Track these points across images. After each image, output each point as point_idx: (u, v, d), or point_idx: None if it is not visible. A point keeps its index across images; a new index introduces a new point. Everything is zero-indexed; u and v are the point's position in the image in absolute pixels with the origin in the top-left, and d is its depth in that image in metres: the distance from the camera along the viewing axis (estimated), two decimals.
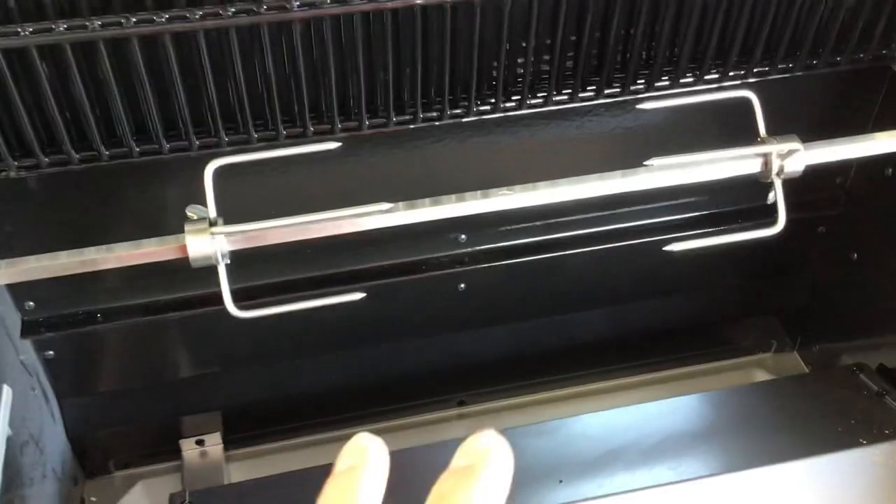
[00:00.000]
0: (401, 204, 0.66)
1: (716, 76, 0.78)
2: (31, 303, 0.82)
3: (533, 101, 0.75)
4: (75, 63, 0.62)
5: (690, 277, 1.02)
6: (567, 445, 0.86)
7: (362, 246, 0.87)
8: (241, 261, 0.68)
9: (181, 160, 0.70)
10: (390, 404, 1.02)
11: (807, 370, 1.10)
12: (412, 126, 0.73)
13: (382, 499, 0.33)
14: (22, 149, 0.67)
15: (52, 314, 0.84)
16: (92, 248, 0.62)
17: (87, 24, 0.59)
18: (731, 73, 0.78)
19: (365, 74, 0.69)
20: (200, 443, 0.99)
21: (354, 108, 0.72)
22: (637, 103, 0.73)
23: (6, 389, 0.72)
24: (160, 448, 0.99)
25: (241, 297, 0.68)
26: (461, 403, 1.06)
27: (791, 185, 0.73)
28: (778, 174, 0.68)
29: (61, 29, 0.59)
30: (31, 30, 0.59)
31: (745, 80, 0.78)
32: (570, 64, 0.75)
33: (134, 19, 0.60)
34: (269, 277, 0.87)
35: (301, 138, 0.71)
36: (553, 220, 0.91)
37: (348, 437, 0.34)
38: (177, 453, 0.99)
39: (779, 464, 0.81)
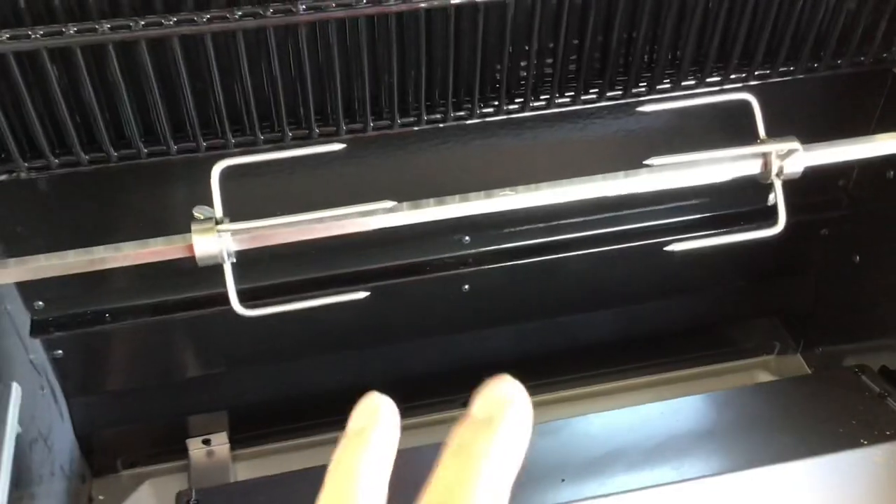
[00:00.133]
0: (405, 204, 0.67)
1: (717, 79, 0.79)
2: (41, 302, 0.83)
3: (536, 104, 0.76)
4: (85, 65, 0.63)
5: (694, 279, 1.03)
6: (570, 445, 0.86)
7: (366, 247, 0.87)
8: (246, 262, 0.69)
9: (188, 161, 0.71)
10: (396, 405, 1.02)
11: (810, 372, 1.10)
12: (416, 128, 0.74)
13: (387, 496, 0.33)
14: (32, 150, 0.68)
15: (62, 314, 0.85)
16: (100, 248, 0.63)
17: (97, 27, 0.60)
18: (732, 76, 0.78)
19: (369, 77, 0.70)
20: (207, 442, 1.00)
21: (359, 110, 0.72)
22: (638, 106, 0.73)
23: (15, 387, 0.73)
24: (167, 447, 1.00)
25: (246, 298, 0.69)
26: (465, 404, 1.06)
27: (793, 187, 0.74)
28: (778, 175, 0.68)
29: (71, 32, 0.60)
30: (41, 33, 0.60)
31: (746, 83, 0.79)
32: (572, 67, 0.76)
33: (143, 22, 0.61)
34: (274, 278, 0.87)
35: (307, 140, 0.72)
36: (556, 222, 0.92)
37: None
38: (183, 452, 1.00)
39: (780, 464, 0.81)
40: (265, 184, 0.80)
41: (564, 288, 0.98)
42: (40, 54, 0.61)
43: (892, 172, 0.89)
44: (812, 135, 0.75)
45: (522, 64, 0.74)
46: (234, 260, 0.64)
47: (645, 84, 0.77)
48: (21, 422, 0.73)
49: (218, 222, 0.65)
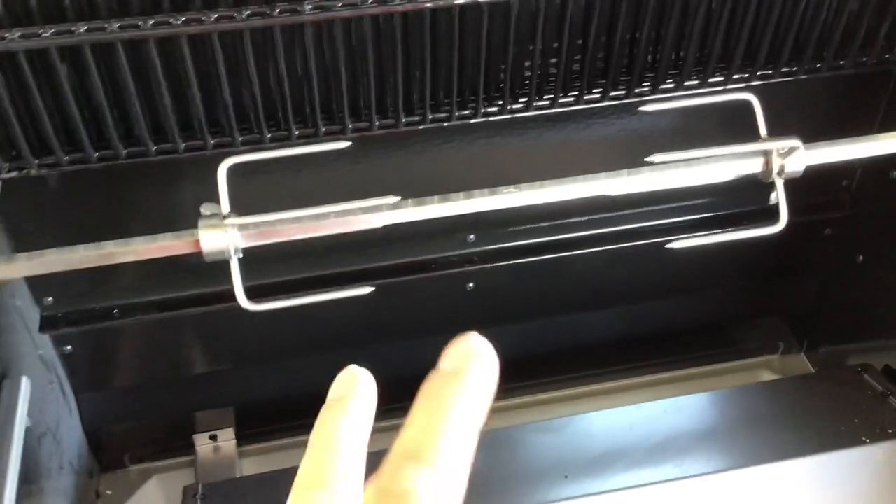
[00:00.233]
0: (409, 201, 0.68)
1: (720, 79, 0.79)
2: (50, 298, 0.84)
3: (539, 104, 0.76)
4: (94, 64, 0.64)
5: (697, 279, 1.03)
6: (573, 442, 0.87)
7: (371, 245, 0.88)
8: (252, 260, 0.69)
9: (196, 159, 0.72)
10: (398, 402, 1.03)
11: (813, 372, 1.10)
12: (421, 127, 0.75)
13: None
14: (42, 147, 0.69)
15: (71, 310, 0.86)
16: (109, 242, 0.64)
17: (106, 26, 0.61)
18: (735, 76, 0.79)
19: (375, 76, 0.71)
20: (213, 438, 1.00)
21: (365, 109, 0.73)
22: (641, 105, 0.74)
23: (25, 381, 0.74)
24: (174, 443, 1.01)
25: (253, 295, 0.70)
26: None
27: (797, 187, 0.74)
28: (779, 174, 0.69)
29: (81, 31, 0.61)
30: (52, 31, 0.61)
31: (749, 84, 0.79)
32: (576, 67, 0.76)
33: (151, 21, 0.62)
34: (280, 276, 0.88)
35: (313, 138, 0.73)
36: (560, 221, 0.93)
37: None
38: (190, 448, 1.01)
39: (782, 461, 0.82)
40: (272, 183, 0.81)
41: (569, 287, 0.98)
42: (50, 53, 0.62)
43: (895, 172, 0.90)
44: (815, 136, 0.76)
45: (526, 64, 0.75)
46: (241, 255, 0.65)
47: (648, 84, 0.78)
48: (30, 415, 0.74)
49: (225, 218, 0.66)
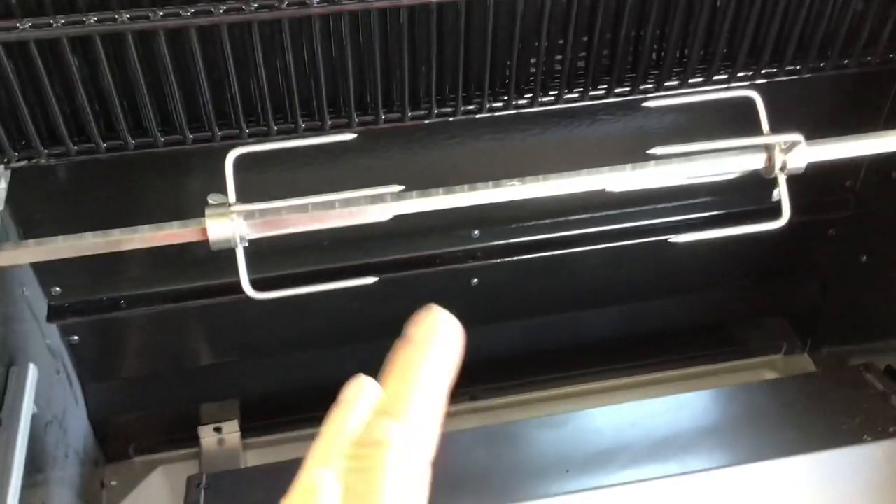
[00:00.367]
0: (414, 192, 0.68)
1: (724, 77, 0.79)
2: (58, 288, 0.85)
3: (545, 99, 0.77)
4: (104, 54, 0.65)
5: (701, 278, 1.04)
6: (575, 437, 0.87)
7: (376, 239, 0.89)
8: (258, 253, 0.70)
9: (204, 151, 0.73)
10: None
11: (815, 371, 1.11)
12: (427, 121, 0.75)
13: None
14: (52, 137, 0.70)
15: (78, 300, 0.87)
16: (116, 230, 0.65)
17: (117, 16, 0.62)
18: (739, 74, 0.79)
19: (381, 70, 0.71)
20: (218, 430, 1.01)
21: (371, 102, 0.74)
22: (644, 102, 0.74)
23: (32, 368, 0.74)
24: (179, 434, 1.02)
25: (259, 288, 0.71)
26: (473, 398, 1.07)
27: (800, 187, 0.75)
28: (781, 169, 0.69)
29: (92, 21, 0.62)
30: (63, 21, 0.61)
31: (753, 82, 0.80)
32: (581, 64, 0.77)
33: (161, 13, 0.63)
34: (285, 269, 0.89)
35: (319, 131, 0.74)
36: (565, 218, 0.93)
37: None
38: (195, 440, 1.01)
39: (783, 458, 0.82)
40: (278, 177, 0.82)
41: (572, 284, 0.99)
42: (61, 42, 0.63)
43: None
44: (819, 135, 0.76)
45: (532, 60, 0.75)
46: (247, 244, 0.66)
47: (653, 81, 0.78)
48: (37, 404, 0.75)
49: (231, 206, 0.66)
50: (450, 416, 1.08)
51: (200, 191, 0.74)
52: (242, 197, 0.69)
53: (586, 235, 0.94)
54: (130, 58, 0.65)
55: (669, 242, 0.77)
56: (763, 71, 0.80)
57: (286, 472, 0.33)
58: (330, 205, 0.65)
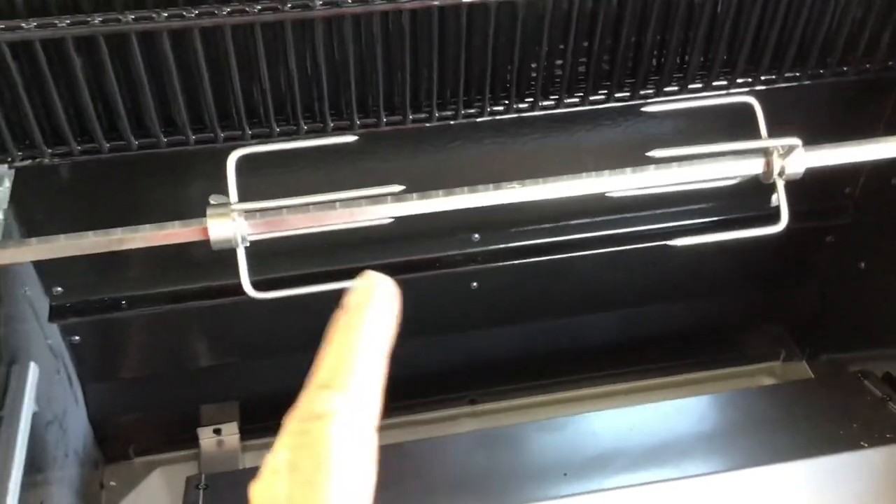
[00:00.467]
0: (414, 194, 0.69)
1: (724, 83, 0.80)
2: (59, 288, 0.85)
3: (545, 103, 0.77)
4: (108, 55, 0.65)
5: (700, 285, 1.04)
6: (573, 441, 0.88)
7: (377, 242, 0.89)
8: (259, 255, 0.70)
9: (206, 152, 0.73)
10: (402, 400, 1.04)
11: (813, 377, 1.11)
12: (428, 124, 0.76)
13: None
14: (55, 136, 0.70)
15: (79, 300, 0.87)
16: (118, 229, 0.65)
17: (121, 17, 0.63)
18: (738, 80, 0.80)
19: (383, 73, 0.72)
20: (218, 432, 1.01)
21: (373, 105, 0.74)
22: (644, 107, 0.75)
23: (33, 367, 0.75)
24: (178, 436, 1.02)
25: (259, 289, 0.71)
26: (472, 402, 1.07)
27: (799, 194, 0.75)
28: (780, 175, 0.69)
29: (96, 22, 0.62)
30: (67, 21, 0.62)
31: (752, 88, 0.80)
32: (581, 69, 0.77)
33: (165, 14, 0.63)
34: (285, 271, 0.89)
35: (321, 133, 0.74)
36: (564, 223, 0.94)
37: None
38: (194, 441, 1.02)
39: (780, 463, 0.82)
40: (280, 180, 0.82)
41: (572, 288, 0.99)
42: (66, 42, 0.64)
43: None
44: (818, 141, 0.75)
45: (533, 65, 0.76)
46: (248, 244, 0.66)
47: (653, 87, 0.79)
48: (38, 403, 0.75)
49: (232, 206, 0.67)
50: (447, 420, 1.08)
51: (202, 192, 0.74)
52: (244, 199, 0.69)
53: (586, 240, 0.94)
54: (134, 59, 0.66)
55: (669, 248, 0.78)
56: (762, 77, 0.80)
57: None
58: (330, 205, 0.66)
